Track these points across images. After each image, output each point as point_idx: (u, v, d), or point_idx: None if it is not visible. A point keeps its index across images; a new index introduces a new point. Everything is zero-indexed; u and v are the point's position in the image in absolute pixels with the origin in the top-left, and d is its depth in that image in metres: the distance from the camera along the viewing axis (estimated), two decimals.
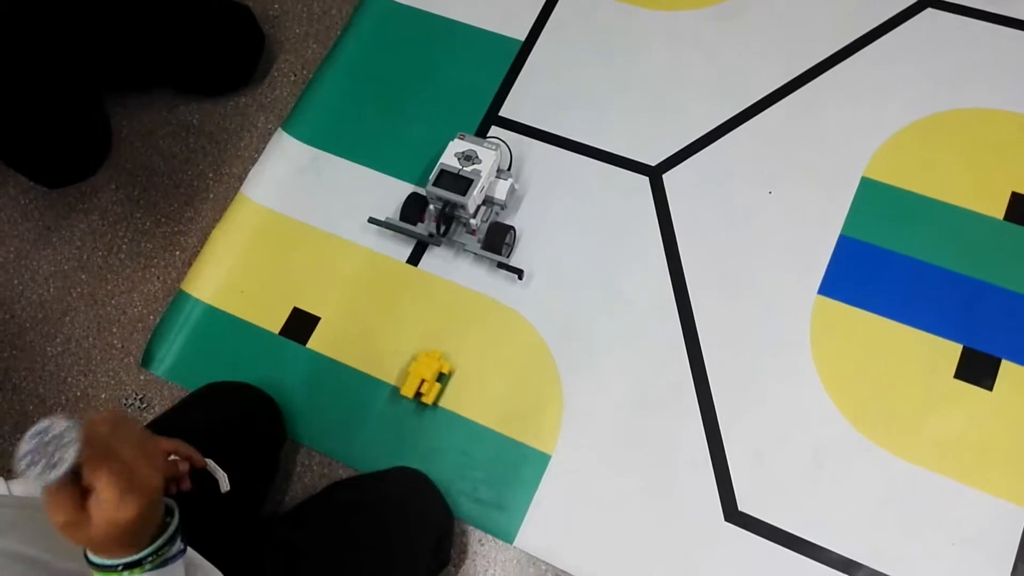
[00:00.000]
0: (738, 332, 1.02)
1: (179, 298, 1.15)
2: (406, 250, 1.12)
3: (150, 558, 0.54)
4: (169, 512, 0.57)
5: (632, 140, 1.14)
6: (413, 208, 1.10)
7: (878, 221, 1.05)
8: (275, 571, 0.81)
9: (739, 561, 0.92)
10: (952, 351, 0.98)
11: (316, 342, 1.09)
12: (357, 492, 0.94)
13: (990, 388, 0.96)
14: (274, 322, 1.11)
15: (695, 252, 1.07)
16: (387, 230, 1.12)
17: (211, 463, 0.72)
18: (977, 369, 0.96)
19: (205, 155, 1.25)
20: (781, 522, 0.93)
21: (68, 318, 1.17)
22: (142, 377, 1.12)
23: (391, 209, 1.13)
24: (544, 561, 0.96)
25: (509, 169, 1.13)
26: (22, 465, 0.48)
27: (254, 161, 1.22)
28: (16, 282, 1.21)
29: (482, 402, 1.03)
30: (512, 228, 1.08)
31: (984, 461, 0.93)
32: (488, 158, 1.07)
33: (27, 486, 0.63)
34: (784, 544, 0.92)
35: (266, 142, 1.23)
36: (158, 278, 1.18)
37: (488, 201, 1.09)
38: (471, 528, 0.98)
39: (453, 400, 1.04)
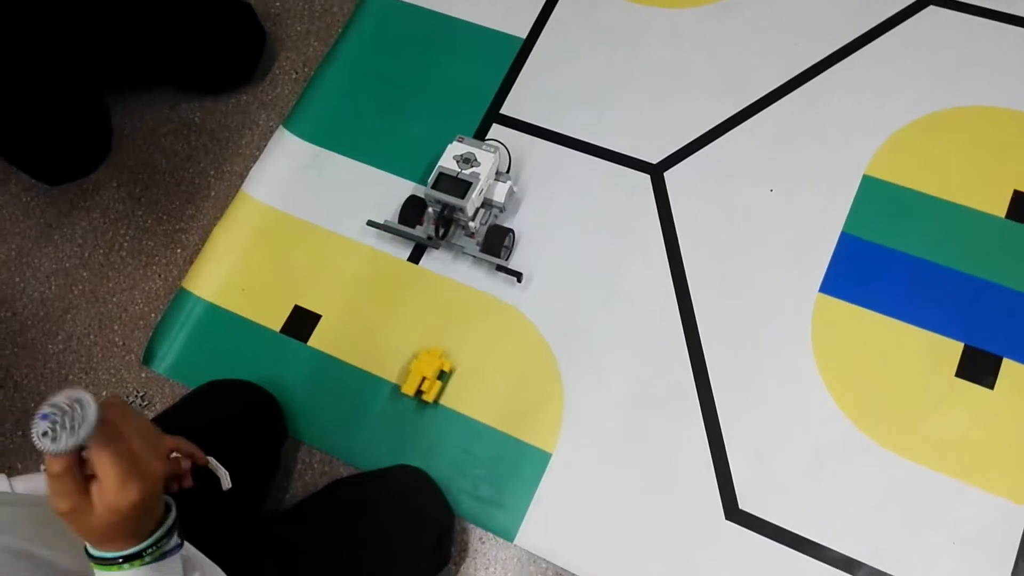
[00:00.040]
0: (739, 330, 1.02)
1: (180, 296, 1.15)
2: (407, 248, 1.12)
3: (149, 550, 0.54)
4: (167, 508, 0.58)
5: (633, 138, 1.14)
6: (412, 211, 1.10)
7: (879, 219, 1.05)
8: (276, 569, 0.81)
9: (740, 560, 0.92)
10: (953, 349, 0.98)
11: (317, 340, 1.09)
12: (358, 490, 0.94)
13: (991, 387, 0.95)
14: (275, 320, 1.11)
15: (696, 250, 1.07)
16: None
17: (213, 461, 0.72)
18: (978, 367, 0.96)
19: (206, 153, 1.25)
20: (782, 521, 0.93)
21: (69, 316, 1.18)
22: (143, 375, 1.12)
23: (392, 207, 1.13)
24: (545, 559, 0.96)
25: (508, 171, 1.13)
26: (41, 428, 0.49)
27: (255, 159, 1.22)
28: (17, 279, 1.21)
29: (483, 400, 1.03)
30: (511, 231, 1.08)
31: (985, 460, 0.92)
32: (487, 161, 1.07)
33: (40, 451, 0.62)
34: (785, 543, 0.92)
35: (267, 140, 1.24)
36: (159, 276, 1.18)
37: (487, 204, 1.09)
38: (472, 526, 0.98)
39: (454, 398, 1.04)
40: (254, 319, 1.12)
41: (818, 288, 1.03)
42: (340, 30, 1.30)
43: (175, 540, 0.57)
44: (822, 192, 1.07)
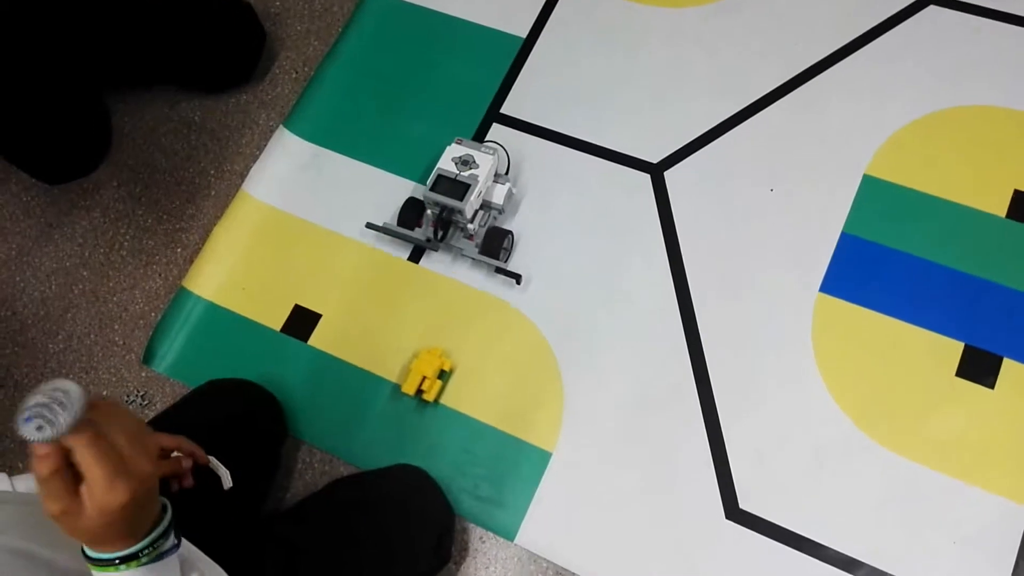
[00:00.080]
0: (739, 330, 1.02)
1: (180, 295, 1.15)
2: (407, 247, 1.12)
3: (146, 551, 0.54)
4: (163, 508, 0.57)
5: (633, 137, 1.14)
6: (411, 213, 1.10)
7: (880, 219, 1.05)
8: (276, 568, 0.81)
9: (740, 559, 0.92)
10: (954, 349, 0.98)
11: (317, 339, 1.09)
12: (358, 489, 0.94)
13: (992, 386, 0.95)
14: (275, 319, 1.11)
15: (696, 250, 1.07)
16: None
17: (214, 460, 0.72)
18: (979, 367, 0.96)
19: (207, 152, 1.25)
20: (782, 520, 0.93)
21: (70, 315, 1.18)
22: (144, 374, 1.12)
23: (392, 207, 1.13)
24: (545, 558, 0.96)
25: (507, 173, 1.13)
26: (23, 416, 0.49)
27: (255, 158, 1.22)
28: (18, 279, 1.21)
29: (483, 399, 1.03)
30: (510, 233, 1.08)
31: (986, 460, 0.92)
32: (485, 163, 1.07)
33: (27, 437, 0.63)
34: (785, 542, 0.92)
35: (267, 139, 1.24)
36: (159, 275, 1.18)
37: (485, 205, 1.09)
38: (472, 525, 0.98)
39: (454, 397, 1.04)
40: (254, 318, 1.12)
41: (818, 288, 1.03)
42: (340, 29, 1.30)
43: (172, 541, 0.57)
44: (822, 192, 1.07)
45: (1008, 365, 0.96)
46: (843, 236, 1.05)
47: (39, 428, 0.48)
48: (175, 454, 0.69)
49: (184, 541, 0.59)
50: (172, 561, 0.57)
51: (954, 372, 0.97)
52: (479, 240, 1.08)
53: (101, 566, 0.53)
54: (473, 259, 1.08)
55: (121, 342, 1.15)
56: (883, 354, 0.98)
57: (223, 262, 1.15)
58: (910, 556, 0.90)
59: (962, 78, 1.10)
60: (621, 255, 1.08)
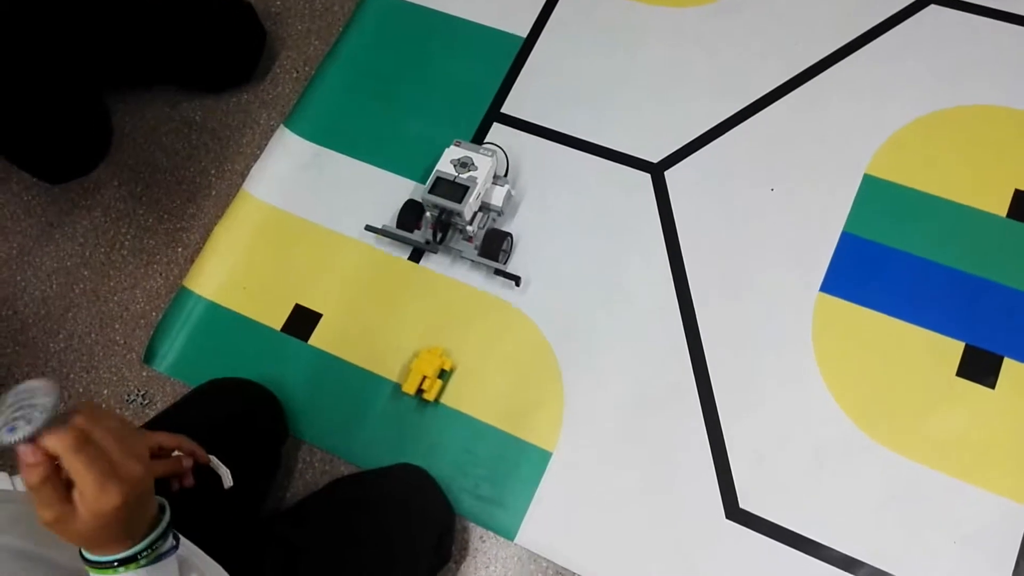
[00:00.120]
0: (739, 329, 1.02)
1: (181, 294, 1.15)
2: (407, 247, 1.12)
3: (144, 553, 0.54)
4: (161, 509, 0.57)
5: (634, 137, 1.14)
6: (410, 215, 1.10)
7: (880, 218, 1.05)
8: (276, 568, 0.81)
9: (740, 559, 0.93)
10: (954, 349, 0.98)
11: (318, 339, 1.09)
12: (359, 489, 0.94)
13: (992, 386, 0.95)
14: (276, 319, 1.11)
15: (696, 249, 1.07)
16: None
17: (214, 459, 0.72)
18: (979, 367, 0.96)
19: (207, 151, 1.25)
20: (782, 520, 0.93)
21: (71, 314, 1.18)
22: (144, 373, 1.12)
23: (392, 206, 1.13)
24: (545, 558, 0.96)
25: (506, 175, 1.13)
26: (3, 429, 0.48)
27: (256, 158, 1.22)
28: (19, 278, 1.21)
29: (483, 399, 1.03)
30: (509, 235, 1.08)
31: (986, 459, 0.92)
32: (484, 165, 1.07)
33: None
34: (785, 542, 0.92)
35: (268, 139, 1.24)
36: (160, 274, 1.18)
37: (484, 207, 1.09)
38: (472, 525, 0.98)
39: (454, 397, 1.04)
40: (255, 318, 1.12)
41: (819, 287, 1.03)
42: (341, 29, 1.30)
43: (170, 542, 0.56)
44: (823, 191, 1.07)
45: (1008, 365, 0.96)
46: (843, 236, 1.05)
47: (11, 430, 0.48)
48: (175, 453, 0.69)
49: (184, 540, 0.59)
50: (171, 562, 0.56)
51: (954, 372, 0.97)
52: (478, 242, 1.08)
53: (100, 569, 0.53)
54: (472, 261, 1.08)
55: (122, 341, 1.15)
56: (883, 354, 0.98)
57: (224, 261, 1.16)
58: (910, 556, 0.90)
59: (962, 78, 1.10)
60: (621, 255, 1.08)
